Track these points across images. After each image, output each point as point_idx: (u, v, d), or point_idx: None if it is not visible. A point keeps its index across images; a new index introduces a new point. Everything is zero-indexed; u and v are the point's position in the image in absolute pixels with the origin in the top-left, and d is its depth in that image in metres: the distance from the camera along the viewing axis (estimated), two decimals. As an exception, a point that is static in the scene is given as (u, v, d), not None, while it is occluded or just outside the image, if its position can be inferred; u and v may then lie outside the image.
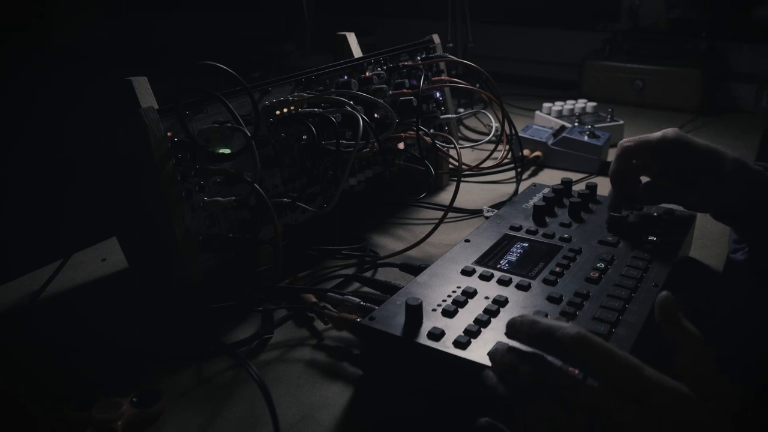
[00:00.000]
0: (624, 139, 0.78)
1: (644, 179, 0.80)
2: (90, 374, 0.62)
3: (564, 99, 1.46)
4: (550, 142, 1.21)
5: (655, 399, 0.42)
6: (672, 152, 0.74)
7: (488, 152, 1.16)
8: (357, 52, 1.00)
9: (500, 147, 1.15)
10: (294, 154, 0.82)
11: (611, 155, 1.20)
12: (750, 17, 1.67)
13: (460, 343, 0.54)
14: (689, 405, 0.42)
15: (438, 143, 0.97)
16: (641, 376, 0.42)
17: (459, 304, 0.60)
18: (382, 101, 0.85)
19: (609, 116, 1.38)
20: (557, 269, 0.66)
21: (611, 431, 0.42)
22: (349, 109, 0.79)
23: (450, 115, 1.07)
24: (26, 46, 2.60)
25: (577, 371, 0.46)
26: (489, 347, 0.52)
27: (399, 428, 0.56)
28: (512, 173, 1.15)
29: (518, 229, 0.76)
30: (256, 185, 0.70)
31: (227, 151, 0.71)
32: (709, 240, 0.87)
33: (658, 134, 0.75)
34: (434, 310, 0.59)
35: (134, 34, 2.87)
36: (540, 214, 0.80)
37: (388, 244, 0.90)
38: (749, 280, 0.76)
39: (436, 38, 1.09)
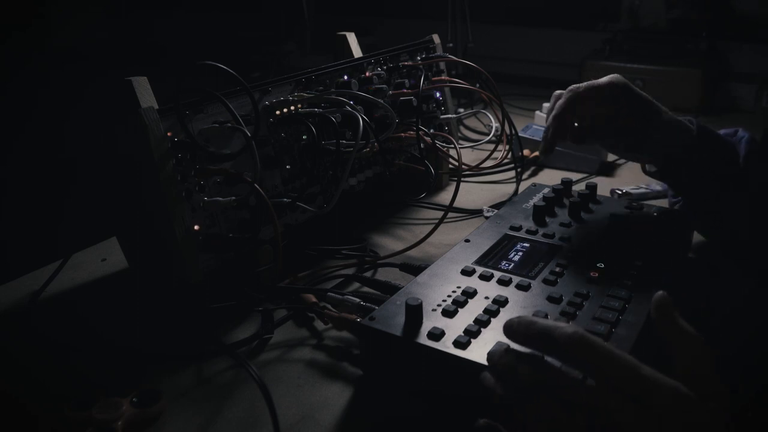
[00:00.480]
0: (573, 85, 0.81)
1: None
2: (90, 374, 0.62)
3: (564, 99, 1.45)
4: (550, 142, 1.21)
5: (654, 399, 0.42)
6: (618, 96, 0.78)
7: (488, 152, 1.16)
8: (357, 52, 1.00)
9: (500, 147, 1.15)
10: (294, 154, 0.82)
11: (611, 155, 1.20)
12: (732, 13, 1.68)
13: (460, 343, 0.54)
14: (689, 405, 0.42)
15: (438, 143, 0.97)
16: (640, 376, 0.42)
17: (459, 304, 0.60)
18: (382, 101, 0.85)
19: (609, 116, 1.38)
20: (557, 269, 0.66)
21: (611, 431, 0.42)
22: (349, 109, 0.79)
23: (450, 115, 1.07)
24: (26, 46, 2.60)
25: (576, 371, 0.46)
26: (489, 347, 0.52)
27: (399, 428, 0.56)
28: (512, 173, 1.15)
29: (518, 229, 0.76)
30: (256, 185, 0.70)
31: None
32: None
33: (605, 79, 0.79)
34: (434, 310, 0.59)
35: (134, 34, 2.87)
36: (540, 214, 0.80)
37: (388, 244, 0.90)
38: (749, 280, 0.77)
39: (436, 38, 1.09)
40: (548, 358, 0.47)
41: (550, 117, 0.81)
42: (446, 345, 0.54)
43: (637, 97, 0.78)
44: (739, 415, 0.42)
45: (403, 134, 0.94)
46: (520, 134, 1.17)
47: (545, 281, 0.64)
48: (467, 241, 0.74)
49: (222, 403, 0.58)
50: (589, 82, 0.79)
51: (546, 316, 0.57)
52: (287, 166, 0.81)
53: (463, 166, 1.04)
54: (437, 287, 0.64)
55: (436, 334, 0.55)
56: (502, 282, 0.64)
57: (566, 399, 0.44)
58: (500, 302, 0.60)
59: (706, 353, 0.44)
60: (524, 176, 1.16)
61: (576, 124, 0.82)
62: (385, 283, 0.73)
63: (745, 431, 0.42)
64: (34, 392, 0.61)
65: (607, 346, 0.44)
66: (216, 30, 2.64)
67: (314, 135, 0.77)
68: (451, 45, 1.71)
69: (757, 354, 0.61)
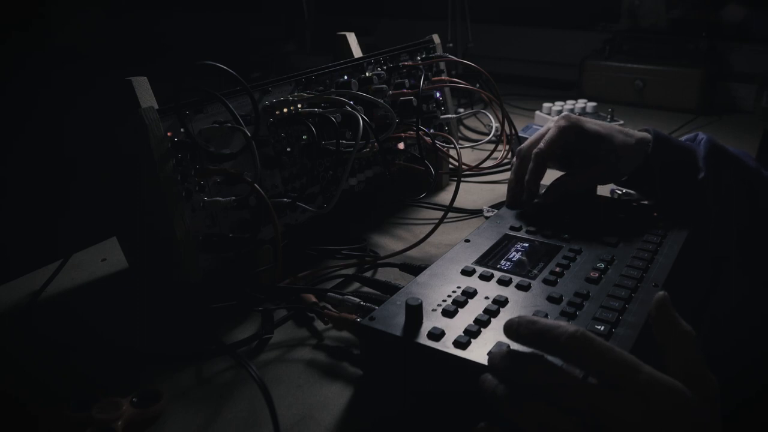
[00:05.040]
0: (524, 146, 0.83)
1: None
2: (90, 374, 0.62)
3: (564, 99, 1.46)
4: (550, 142, 1.21)
5: (654, 397, 0.42)
6: (571, 138, 0.80)
7: (488, 152, 1.16)
8: (357, 52, 1.00)
9: (500, 147, 1.15)
10: (294, 154, 0.82)
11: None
12: (716, 19, 1.69)
13: (460, 343, 0.54)
14: (689, 404, 0.42)
15: (438, 143, 0.97)
16: (640, 375, 0.42)
17: (459, 304, 0.60)
18: (382, 101, 0.85)
19: (609, 116, 1.38)
20: (557, 269, 0.66)
21: (612, 430, 0.42)
22: (349, 109, 0.79)
23: (450, 115, 1.07)
24: (26, 46, 2.60)
25: (577, 371, 0.46)
26: (489, 347, 0.52)
27: (399, 428, 0.56)
28: (512, 173, 1.15)
29: (518, 229, 0.76)
30: (256, 185, 0.70)
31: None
32: (709, 240, 0.87)
33: (554, 128, 0.81)
34: (434, 310, 0.59)
35: (134, 34, 2.87)
36: (540, 214, 0.80)
37: (388, 244, 0.90)
38: (749, 280, 0.77)
39: (436, 38, 1.09)
40: (549, 358, 0.47)
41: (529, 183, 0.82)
42: (446, 345, 0.54)
43: (587, 133, 0.80)
44: (737, 415, 0.42)
45: (403, 134, 0.94)
46: (520, 134, 1.17)
47: (545, 281, 0.64)
48: (467, 241, 0.74)
49: (222, 403, 0.58)
50: (544, 139, 0.81)
51: (546, 316, 0.57)
52: (288, 162, 0.81)
53: (463, 166, 1.04)
54: (437, 287, 0.64)
55: (436, 334, 0.55)
56: (502, 282, 0.64)
57: (567, 398, 0.44)
58: (500, 302, 0.60)
59: (698, 355, 0.44)
60: (524, 176, 1.15)
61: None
62: (385, 283, 0.73)
63: (743, 431, 0.42)
64: (34, 392, 0.61)
65: (608, 345, 0.44)
66: (216, 30, 2.64)
67: (314, 135, 0.77)
68: (451, 45, 1.71)
69: (756, 354, 0.61)
